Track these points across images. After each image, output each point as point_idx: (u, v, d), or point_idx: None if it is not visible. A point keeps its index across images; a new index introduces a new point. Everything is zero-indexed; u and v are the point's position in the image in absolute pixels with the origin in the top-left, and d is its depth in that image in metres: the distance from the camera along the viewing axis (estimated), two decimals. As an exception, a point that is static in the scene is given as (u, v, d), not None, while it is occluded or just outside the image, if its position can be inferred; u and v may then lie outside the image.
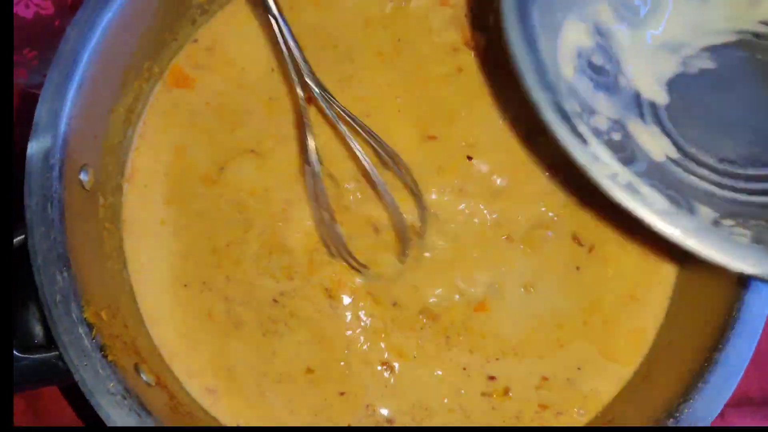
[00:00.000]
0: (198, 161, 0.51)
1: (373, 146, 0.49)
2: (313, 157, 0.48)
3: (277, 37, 0.48)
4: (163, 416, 0.41)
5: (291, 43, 0.47)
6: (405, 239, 0.49)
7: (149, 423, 0.39)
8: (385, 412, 0.48)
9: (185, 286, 0.49)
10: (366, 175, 0.50)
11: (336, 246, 0.49)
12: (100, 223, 0.48)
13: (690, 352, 0.44)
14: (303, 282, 0.49)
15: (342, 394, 0.48)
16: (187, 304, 0.49)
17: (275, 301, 0.49)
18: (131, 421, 0.39)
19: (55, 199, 0.42)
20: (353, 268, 0.49)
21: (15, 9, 0.49)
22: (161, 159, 0.51)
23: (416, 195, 0.49)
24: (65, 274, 0.41)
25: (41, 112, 0.43)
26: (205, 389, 0.48)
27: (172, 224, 0.50)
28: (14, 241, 0.42)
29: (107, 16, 0.44)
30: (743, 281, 0.43)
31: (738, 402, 0.60)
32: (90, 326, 0.41)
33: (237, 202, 0.51)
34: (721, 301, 0.44)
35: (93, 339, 0.40)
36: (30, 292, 0.41)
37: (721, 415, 0.59)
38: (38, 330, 0.42)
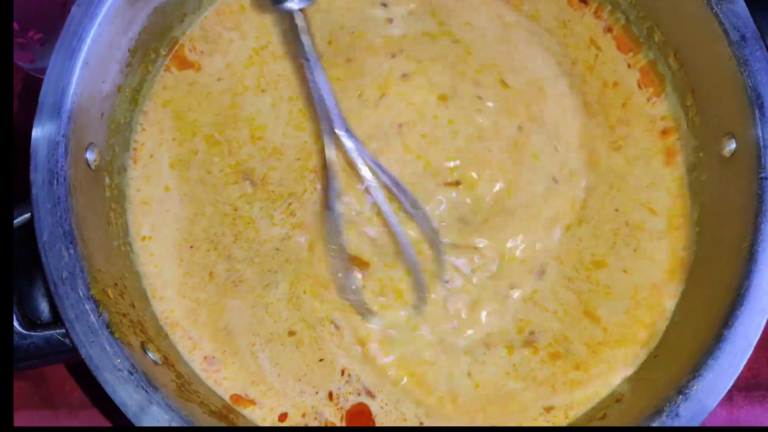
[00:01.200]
0: (202, 134, 0.52)
1: (398, 199, 0.48)
2: (336, 202, 0.48)
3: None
4: (170, 394, 0.41)
5: (326, 93, 0.46)
6: (422, 296, 0.49)
7: (156, 399, 0.39)
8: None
9: (191, 247, 0.50)
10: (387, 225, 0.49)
11: (348, 293, 0.49)
12: (107, 203, 0.48)
13: (700, 330, 0.44)
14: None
15: (321, 360, 0.48)
16: (191, 265, 0.49)
17: (277, 249, 0.50)
18: (138, 398, 0.39)
19: (60, 176, 0.42)
20: (362, 313, 0.49)
21: (20, -11, 0.50)
22: (166, 138, 0.51)
23: (437, 250, 0.49)
24: (71, 250, 0.41)
25: (47, 89, 0.43)
26: (204, 359, 0.48)
27: (178, 191, 0.51)
28: (20, 218, 0.42)
29: (113, -8, 0.44)
30: (752, 259, 0.43)
31: (747, 386, 0.60)
32: (96, 303, 0.41)
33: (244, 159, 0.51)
34: (730, 279, 0.44)
35: (99, 316, 0.40)
36: (36, 268, 0.41)
37: (730, 399, 0.60)
38: (44, 307, 0.42)
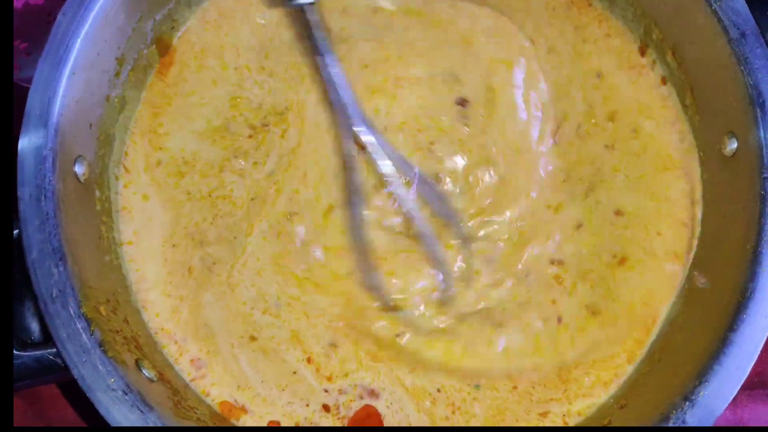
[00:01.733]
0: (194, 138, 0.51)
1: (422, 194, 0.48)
2: (359, 197, 0.47)
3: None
4: (166, 412, 0.40)
5: (342, 88, 0.45)
6: (446, 287, 0.48)
7: (152, 419, 0.38)
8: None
9: (173, 246, 0.49)
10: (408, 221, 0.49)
11: (372, 290, 0.48)
12: (97, 217, 0.47)
13: (704, 334, 0.43)
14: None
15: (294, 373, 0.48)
16: (173, 264, 0.49)
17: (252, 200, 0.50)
18: (133, 418, 0.38)
19: (48, 191, 0.41)
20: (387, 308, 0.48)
21: (4, -2, 0.48)
22: (156, 146, 0.50)
23: (463, 242, 0.48)
24: (61, 267, 0.40)
25: (33, 101, 0.41)
26: (191, 363, 0.47)
27: (159, 197, 0.50)
28: (8, 234, 0.41)
29: (100, 1, 0.43)
30: (757, 261, 0.42)
31: (751, 386, 0.59)
32: (88, 321, 0.39)
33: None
34: (734, 281, 0.43)
35: (92, 334, 0.39)
36: (25, 287, 0.40)
37: (733, 399, 0.59)
38: (34, 326, 0.41)
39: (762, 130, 0.44)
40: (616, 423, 0.45)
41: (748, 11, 0.46)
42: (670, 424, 0.40)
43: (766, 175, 0.43)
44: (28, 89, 0.42)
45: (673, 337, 0.47)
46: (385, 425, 0.46)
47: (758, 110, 0.44)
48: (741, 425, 0.59)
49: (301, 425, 0.46)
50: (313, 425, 0.46)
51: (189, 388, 0.47)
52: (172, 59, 0.51)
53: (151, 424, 0.38)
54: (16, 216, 0.41)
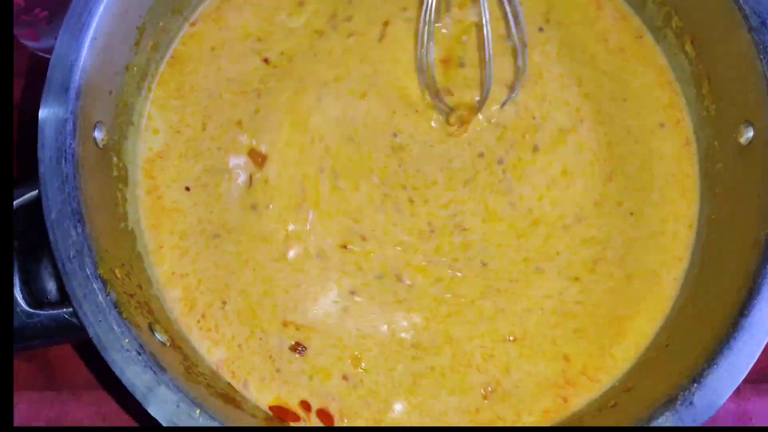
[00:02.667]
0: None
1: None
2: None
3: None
4: (178, 375, 0.41)
5: None
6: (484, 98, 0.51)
7: (164, 380, 0.39)
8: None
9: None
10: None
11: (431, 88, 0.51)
12: (114, 184, 0.47)
13: (713, 320, 0.43)
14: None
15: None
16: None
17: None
18: (146, 378, 0.39)
19: (69, 154, 0.41)
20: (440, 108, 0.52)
21: (26, -33, 0.49)
22: (175, 119, 0.51)
23: (520, 48, 0.50)
24: (79, 229, 0.40)
25: (55, 65, 0.42)
26: (201, 333, 0.48)
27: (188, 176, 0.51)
28: (27, 196, 0.42)
29: (122, -33, 0.43)
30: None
31: (756, 379, 0.60)
32: (104, 282, 0.40)
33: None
34: (746, 268, 0.43)
35: (107, 295, 0.40)
36: (43, 247, 0.40)
37: (738, 391, 0.59)
38: (51, 286, 0.42)
39: (779, 119, 0.44)
40: (622, 406, 0.45)
41: (771, -1, 0.46)
42: (678, 405, 0.40)
43: (781, 163, 0.44)
44: (47, 60, 0.43)
45: (682, 323, 0.48)
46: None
47: (776, 99, 0.44)
48: (745, 417, 0.59)
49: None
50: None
51: (199, 357, 0.47)
52: (194, 29, 0.52)
53: (163, 386, 0.39)
54: (28, 179, 0.42)
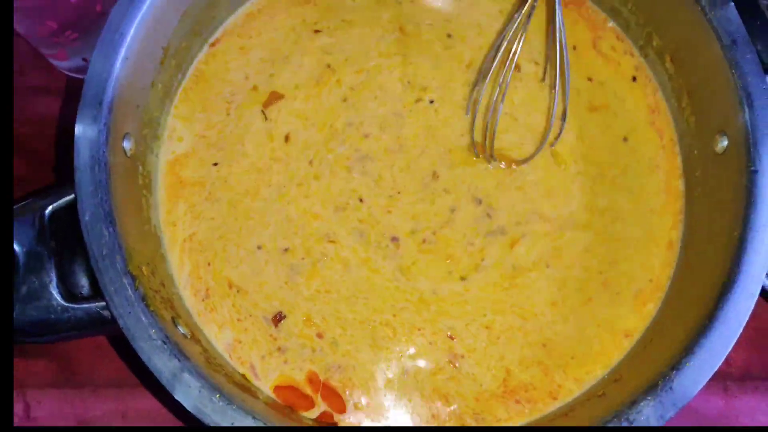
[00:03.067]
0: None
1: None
2: None
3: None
4: (200, 364, 0.44)
5: None
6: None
7: (188, 366, 0.42)
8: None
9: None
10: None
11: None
12: (139, 190, 0.51)
13: (691, 314, 0.47)
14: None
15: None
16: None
17: None
18: (171, 365, 0.42)
19: (102, 161, 0.45)
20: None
21: (62, -7, 0.53)
22: (194, 132, 0.55)
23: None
24: (111, 229, 0.44)
25: (90, 81, 0.46)
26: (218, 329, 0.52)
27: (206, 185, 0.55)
28: (64, 200, 0.46)
29: (153, -7, 0.48)
30: (742, 247, 0.46)
31: (741, 377, 0.63)
32: (133, 278, 0.44)
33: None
34: (721, 266, 0.46)
35: (136, 290, 0.43)
36: (78, 247, 0.44)
37: (725, 389, 0.63)
38: (84, 282, 0.46)
39: (750, 129, 0.48)
40: (610, 395, 0.49)
41: (740, 20, 0.50)
42: (659, 390, 0.43)
43: (752, 169, 0.47)
44: (80, 81, 0.47)
45: (666, 319, 0.51)
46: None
47: (747, 110, 0.48)
48: (732, 413, 0.62)
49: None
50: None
51: (217, 352, 0.51)
52: (215, 48, 0.56)
53: (186, 372, 0.42)
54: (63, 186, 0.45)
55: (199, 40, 0.56)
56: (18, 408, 0.59)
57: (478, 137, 0.56)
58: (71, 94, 0.65)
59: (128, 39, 0.47)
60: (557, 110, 0.56)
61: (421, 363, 0.51)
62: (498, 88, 0.55)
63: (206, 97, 0.56)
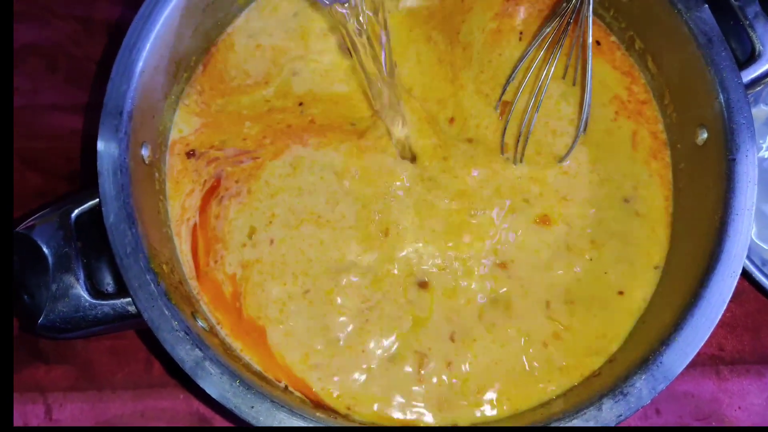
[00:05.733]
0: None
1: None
2: None
3: None
4: (219, 354, 0.47)
5: None
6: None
7: (210, 355, 0.45)
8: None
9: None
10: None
11: None
12: (156, 195, 0.54)
13: (680, 294, 0.49)
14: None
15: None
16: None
17: None
18: (194, 354, 0.45)
19: (123, 167, 0.48)
20: None
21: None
22: (197, 141, 0.58)
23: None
24: (134, 230, 0.47)
25: (111, 94, 0.49)
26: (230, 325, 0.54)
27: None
28: (89, 203, 0.49)
29: (166, 11, 0.51)
30: (724, 230, 0.49)
31: (732, 361, 0.66)
32: (155, 274, 0.47)
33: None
34: (704, 248, 0.50)
35: (158, 285, 0.46)
36: (103, 247, 0.47)
37: (718, 373, 0.66)
38: (109, 280, 0.49)
39: (727, 121, 0.51)
40: (605, 375, 0.51)
41: (714, 20, 0.53)
42: (650, 364, 0.46)
43: (731, 158, 0.50)
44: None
45: (657, 300, 0.54)
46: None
47: (724, 104, 0.51)
48: (725, 395, 0.65)
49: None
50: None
51: (231, 345, 0.54)
52: (216, 60, 0.60)
53: (208, 361, 0.45)
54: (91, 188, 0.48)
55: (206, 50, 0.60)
56: (39, 411, 0.62)
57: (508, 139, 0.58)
58: (81, 111, 0.68)
59: (145, 53, 0.51)
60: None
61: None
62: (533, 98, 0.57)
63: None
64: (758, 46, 0.55)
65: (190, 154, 0.57)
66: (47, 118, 0.68)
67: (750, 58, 0.55)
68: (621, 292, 0.55)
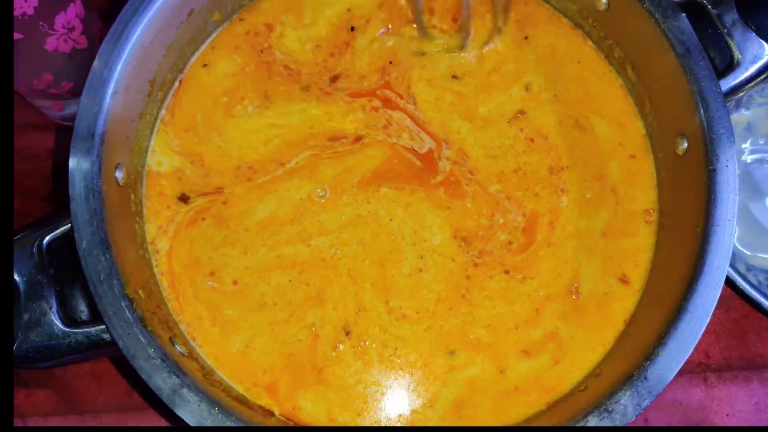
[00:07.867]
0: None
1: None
2: None
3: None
4: (198, 380, 0.46)
5: None
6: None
7: (187, 383, 0.44)
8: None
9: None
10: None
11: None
12: (132, 218, 0.53)
13: (665, 305, 0.49)
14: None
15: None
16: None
17: None
18: (171, 382, 0.44)
19: (96, 191, 0.47)
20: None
21: (55, 44, 0.55)
22: (174, 163, 0.57)
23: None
24: (107, 255, 0.46)
25: (83, 115, 0.48)
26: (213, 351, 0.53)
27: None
28: (61, 229, 0.48)
29: (138, 30, 0.50)
30: (706, 240, 0.49)
31: (719, 368, 0.66)
32: (130, 300, 0.46)
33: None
34: (687, 260, 0.49)
35: (134, 312, 0.45)
36: (76, 273, 0.46)
37: (705, 380, 0.66)
38: (83, 307, 0.48)
39: (707, 131, 0.51)
40: (591, 390, 0.51)
41: (692, 30, 0.53)
42: (634, 380, 0.46)
43: (711, 168, 0.50)
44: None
45: (641, 314, 0.54)
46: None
47: (703, 113, 0.51)
48: (712, 402, 0.65)
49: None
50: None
51: (212, 368, 0.53)
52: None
53: (186, 388, 0.44)
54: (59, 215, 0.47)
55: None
56: (20, 435, 0.61)
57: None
58: (60, 131, 0.67)
59: (116, 73, 0.50)
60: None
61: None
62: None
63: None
64: (737, 54, 0.55)
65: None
66: (24, 138, 0.67)
67: (729, 66, 0.55)
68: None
